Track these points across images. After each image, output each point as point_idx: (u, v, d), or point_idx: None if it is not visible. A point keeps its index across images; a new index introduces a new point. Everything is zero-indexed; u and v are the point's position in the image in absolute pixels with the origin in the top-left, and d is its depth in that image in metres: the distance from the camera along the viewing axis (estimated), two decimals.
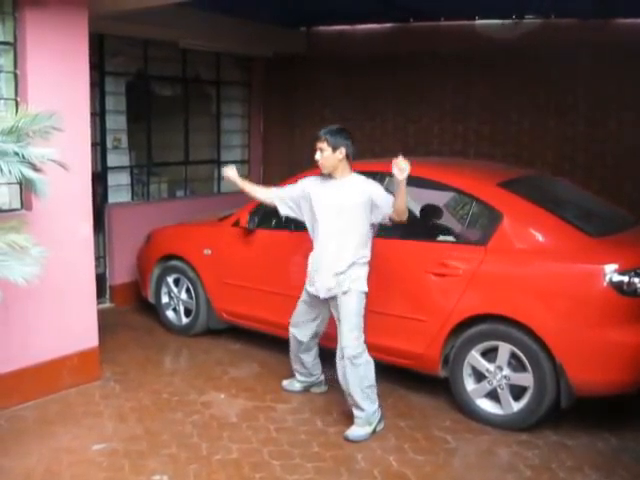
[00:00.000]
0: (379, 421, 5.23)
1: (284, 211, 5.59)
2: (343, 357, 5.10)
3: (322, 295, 5.22)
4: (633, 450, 5.02)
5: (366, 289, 5.14)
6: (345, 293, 5.10)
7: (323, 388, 5.95)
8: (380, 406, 5.27)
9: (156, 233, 7.91)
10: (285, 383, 6.03)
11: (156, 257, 7.68)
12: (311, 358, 5.76)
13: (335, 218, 5.13)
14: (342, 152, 5.10)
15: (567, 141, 8.97)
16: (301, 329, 5.60)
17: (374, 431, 5.16)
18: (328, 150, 5.11)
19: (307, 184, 5.41)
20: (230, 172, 5.85)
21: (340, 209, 5.10)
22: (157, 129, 9.19)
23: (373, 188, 5.11)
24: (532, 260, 5.23)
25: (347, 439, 5.09)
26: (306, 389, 5.95)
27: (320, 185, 5.29)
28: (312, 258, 5.32)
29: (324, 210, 5.20)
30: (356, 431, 5.12)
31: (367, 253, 5.18)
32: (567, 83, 8.84)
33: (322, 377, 5.93)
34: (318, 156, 5.18)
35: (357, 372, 5.07)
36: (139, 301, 8.31)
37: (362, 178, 5.19)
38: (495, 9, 8.63)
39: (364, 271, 5.16)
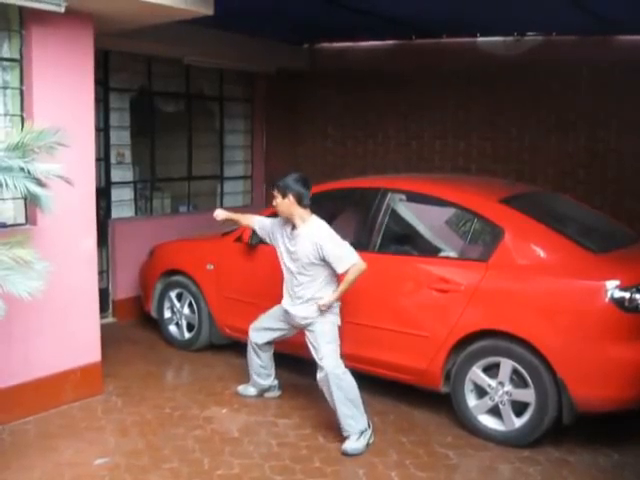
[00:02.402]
0: (371, 433, 5.25)
1: (261, 236, 5.92)
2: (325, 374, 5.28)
3: (296, 321, 5.51)
4: (634, 466, 5.02)
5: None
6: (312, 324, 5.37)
7: (277, 392, 6.21)
8: (368, 418, 5.29)
9: (159, 248, 7.93)
10: (240, 388, 6.27)
11: (159, 272, 7.70)
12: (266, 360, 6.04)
13: (290, 262, 5.40)
14: (290, 198, 5.24)
15: (568, 157, 9.01)
16: (260, 334, 5.92)
17: (368, 444, 5.17)
18: (279, 197, 5.32)
19: (275, 224, 5.65)
20: (220, 213, 6.09)
21: (295, 256, 5.34)
22: (161, 145, 9.24)
23: (324, 243, 5.19)
24: (533, 276, 5.24)
25: (345, 453, 5.10)
26: (260, 394, 6.19)
27: (282, 228, 5.52)
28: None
29: (282, 253, 5.49)
30: (352, 444, 5.12)
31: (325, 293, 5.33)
32: (568, 100, 8.89)
33: (276, 382, 6.20)
34: (274, 203, 5.42)
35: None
36: (142, 316, 8.32)
37: (318, 227, 5.31)
38: (497, 27, 8.69)
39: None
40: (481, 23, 8.54)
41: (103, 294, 7.87)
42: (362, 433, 5.15)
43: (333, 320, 5.36)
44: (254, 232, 6.58)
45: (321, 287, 5.29)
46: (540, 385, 5.08)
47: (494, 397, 5.30)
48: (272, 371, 6.12)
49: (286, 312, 5.55)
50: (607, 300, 4.88)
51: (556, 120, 9.06)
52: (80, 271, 5.86)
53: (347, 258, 5.14)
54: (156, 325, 7.85)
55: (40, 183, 4.42)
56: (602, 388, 4.98)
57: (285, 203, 5.27)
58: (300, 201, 5.25)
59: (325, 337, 5.29)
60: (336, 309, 5.38)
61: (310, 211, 5.34)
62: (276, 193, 5.32)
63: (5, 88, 5.48)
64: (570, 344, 4.98)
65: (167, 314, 7.65)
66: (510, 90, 9.19)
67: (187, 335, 7.46)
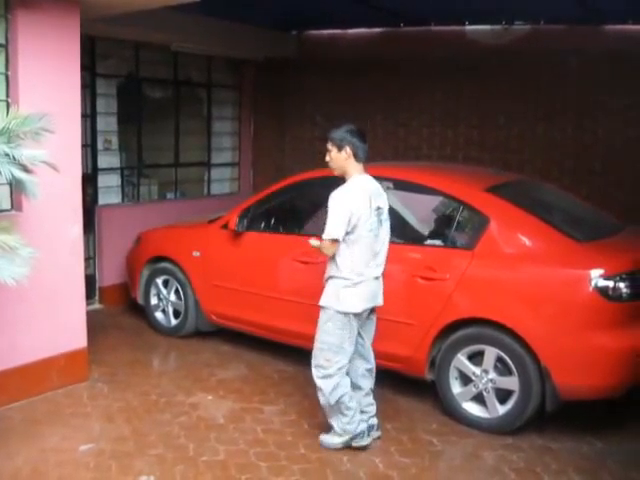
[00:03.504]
0: (357, 437, 5.01)
1: None
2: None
3: None
4: (617, 454, 5.06)
5: (337, 308, 4.82)
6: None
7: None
8: (365, 422, 5.07)
9: (146, 235, 7.92)
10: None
11: (145, 259, 7.70)
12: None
13: None
14: (347, 150, 4.82)
15: (555, 146, 9.02)
16: None
17: (349, 445, 5.01)
18: (333, 150, 4.88)
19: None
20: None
21: None
22: (148, 131, 9.21)
23: (329, 203, 4.80)
24: (519, 265, 5.27)
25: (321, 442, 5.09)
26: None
27: None
28: None
29: None
30: (327, 438, 5.08)
31: (332, 271, 4.88)
32: (556, 89, 8.90)
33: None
34: (327, 158, 4.97)
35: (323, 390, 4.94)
36: (128, 302, 8.32)
37: (346, 188, 4.81)
38: (485, 15, 8.69)
39: (334, 288, 4.86)
40: (469, 11, 8.54)
41: (90, 281, 7.84)
42: (345, 431, 5.01)
43: (331, 315, 4.88)
44: (240, 219, 6.59)
45: (331, 262, 4.91)
46: (524, 373, 5.11)
47: (478, 385, 5.34)
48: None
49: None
50: (591, 289, 4.91)
51: (544, 109, 9.07)
52: (66, 257, 5.85)
53: (327, 230, 4.73)
54: (143, 312, 7.85)
55: (25, 169, 4.41)
56: (586, 376, 5.02)
57: (341, 157, 4.83)
58: (356, 154, 4.82)
59: (319, 328, 4.99)
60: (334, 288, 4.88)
61: (363, 168, 4.92)
62: (330, 146, 4.87)
63: None
64: (554, 332, 5.01)
65: (153, 301, 7.65)
66: (498, 79, 9.19)
67: (173, 322, 7.47)
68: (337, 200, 4.72)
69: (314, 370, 4.94)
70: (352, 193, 4.75)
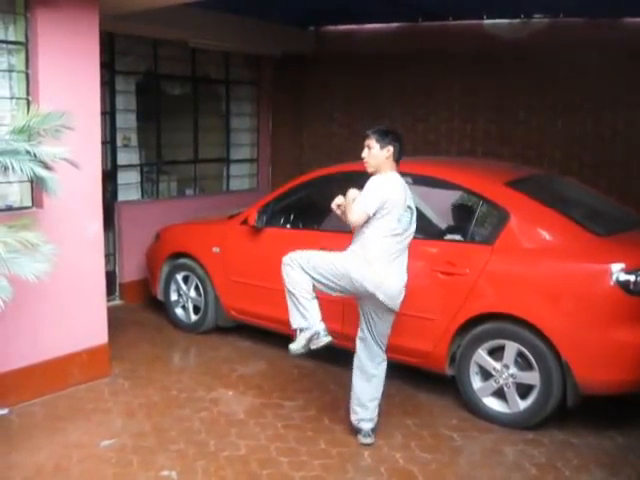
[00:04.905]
0: (319, 337, 4.85)
1: None
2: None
3: None
4: (639, 449, 5.03)
5: (350, 268, 4.82)
6: None
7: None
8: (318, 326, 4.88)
9: (165, 231, 7.95)
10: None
11: (165, 255, 7.72)
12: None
13: None
14: (390, 150, 4.88)
15: (575, 140, 8.98)
16: None
17: (308, 348, 4.88)
18: (375, 146, 4.92)
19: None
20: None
21: None
22: (167, 128, 9.24)
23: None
24: (539, 259, 5.25)
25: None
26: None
27: None
28: None
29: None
30: (291, 344, 4.94)
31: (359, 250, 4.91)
32: (575, 82, 8.84)
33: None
34: (364, 153, 5.00)
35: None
36: (148, 298, 8.35)
37: (381, 179, 4.88)
38: (503, 8, 8.64)
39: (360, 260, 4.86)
40: (488, 5, 8.50)
41: (110, 277, 7.89)
42: (301, 332, 4.87)
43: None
44: (259, 215, 6.60)
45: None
46: (545, 368, 5.09)
47: (499, 380, 5.32)
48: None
49: None
50: (612, 283, 4.88)
51: (563, 103, 9.02)
52: (87, 254, 5.88)
53: (358, 204, 4.73)
54: (163, 308, 7.88)
55: (46, 166, 4.43)
56: (606, 371, 5.00)
57: (382, 154, 4.87)
58: (395, 155, 4.90)
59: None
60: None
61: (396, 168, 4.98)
62: (374, 142, 4.90)
63: (11, 71, 5.48)
64: (575, 327, 5.00)
65: (173, 297, 7.68)
66: (517, 73, 9.15)
67: (193, 318, 7.49)
68: (376, 182, 4.82)
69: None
70: (391, 182, 4.83)
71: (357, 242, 4.91)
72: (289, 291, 4.93)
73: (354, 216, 4.76)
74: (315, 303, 4.90)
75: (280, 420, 5.43)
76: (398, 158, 4.94)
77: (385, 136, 4.91)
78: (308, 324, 4.86)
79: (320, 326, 4.85)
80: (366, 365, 5.08)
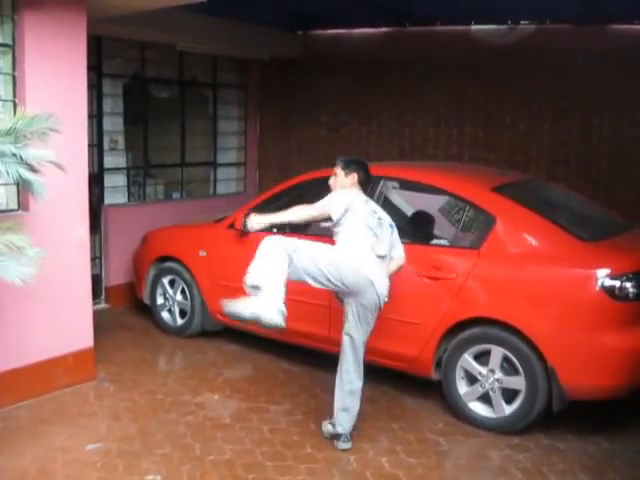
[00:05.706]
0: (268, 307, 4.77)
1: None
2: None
3: None
4: (624, 453, 5.06)
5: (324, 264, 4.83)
6: None
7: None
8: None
9: (152, 234, 7.93)
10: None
11: (152, 258, 7.70)
12: None
13: None
14: (354, 178, 5.24)
15: (561, 146, 9.03)
16: None
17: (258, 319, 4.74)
18: (341, 174, 5.28)
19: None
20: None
21: None
22: (154, 131, 9.22)
23: None
24: (525, 264, 5.27)
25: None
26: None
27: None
28: None
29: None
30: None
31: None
32: (561, 88, 8.90)
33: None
34: (331, 180, 5.36)
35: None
36: (134, 302, 8.33)
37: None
38: (490, 14, 8.69)
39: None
40: (475, 11, 8.54)
41: (96, 280, 7.86)
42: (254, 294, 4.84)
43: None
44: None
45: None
46: (530, 373, 5.11)
47: (485, 384, 5.33)
48: None
49: None
50: (598, 288, 4.91)
51: (549, 108, 9.07)
52: (73, 257, 5.86)
53: (319, 206, 5.13)
54: (149, 311, 7.85)
55: (32, 169, 4.40)
56: (592, 376, 5.01)
57: (347, 180, 5.25)
58: (359, 181, 5.26)
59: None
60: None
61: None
62: (339, 170, 5.28)
63: None
64: (561, 332, 5.01)
65: (160, 300, 7.66)
66: (504, 78, 9.20)
67: (180, 321, 7.47)
68: (338, 192, 5.22)
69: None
70: (353, 193, 5.20)
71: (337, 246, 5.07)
72: (263, 252, 4.99)
73: (301, 213, 5.24)
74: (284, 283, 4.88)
75: (266, 424, 5.41)
76: (364, 182, 5.33)
77: (349, 164, 5.30)
78: (266, 289, 4.83)
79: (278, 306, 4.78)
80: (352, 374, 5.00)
